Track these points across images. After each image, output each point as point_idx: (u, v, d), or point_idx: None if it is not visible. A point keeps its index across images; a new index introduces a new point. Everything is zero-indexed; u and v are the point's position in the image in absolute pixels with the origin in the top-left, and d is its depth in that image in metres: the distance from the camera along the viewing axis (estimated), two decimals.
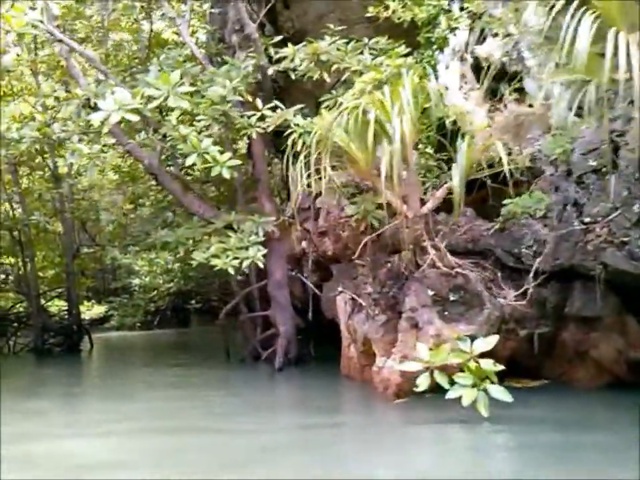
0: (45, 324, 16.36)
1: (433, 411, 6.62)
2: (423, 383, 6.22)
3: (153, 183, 18.76)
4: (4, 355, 16.25)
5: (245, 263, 9.36)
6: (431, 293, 7.66)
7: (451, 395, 5.96)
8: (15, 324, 17.25)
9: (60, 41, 9.70)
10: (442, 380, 6.10)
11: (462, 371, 6.33)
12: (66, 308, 18.87)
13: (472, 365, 6.06)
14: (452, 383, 6.17)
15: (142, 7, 12.57)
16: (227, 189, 16.73)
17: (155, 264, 24.76)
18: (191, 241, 10.80)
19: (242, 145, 14.44)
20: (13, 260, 18.80)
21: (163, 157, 11.48)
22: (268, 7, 11.69)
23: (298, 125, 8.83)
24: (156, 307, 27.22)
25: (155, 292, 25.15)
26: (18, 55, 11.32)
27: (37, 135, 9.64)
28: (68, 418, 8.26)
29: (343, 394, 8.65)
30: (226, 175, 9.00)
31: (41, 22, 8.71)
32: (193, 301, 29.62)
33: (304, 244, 12.80)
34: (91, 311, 24.87)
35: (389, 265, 9.04)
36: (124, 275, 29.08)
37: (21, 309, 18.92)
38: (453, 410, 6.26)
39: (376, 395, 7.73)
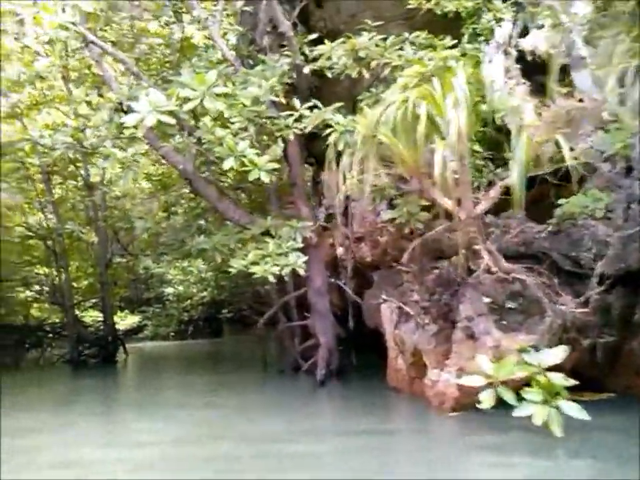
0: (80, 335, 16.20)
1: (495, 429, 6.06)
2: (486, 399, 5.66)
3: (186, 190, 18.69)
4: (40, 367, 16.12)
5: (285, 270, 8.92)
6: (486, 300, 7.11)
7: (520, 412, 5.39)
8: (50, 335, 17.10)
9: (92, 42, 9.44)
10: (507, 396, 5.54)
11: (527, 385, 5.76)
12: (100, 318, 18.72)
13: (541, 379, 5.49)
14: (519, 399, 5.60)
15: (173, 10, 12.30)
16: (258, 195, 16.41)
17: (188, 273, 24.70)
18: (227, 248, 10.43)
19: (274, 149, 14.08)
20: (47, 270, 18.74)
21: (197, 162, 11.15)
22: (300, 6, 11.32)
23: (338, 123, 8.38)
24: (189, 317, 27.07)
25: (189, 301, 24.95)
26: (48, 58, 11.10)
27: (70, 140, 9.36)
28: (105, 429, 7.96)
29: (393, 409, 8.09)
30: (265, 178, 8.59)
31: (73, 24, 8.45)
32: (225, 311, 29.49)
33: (340, 250, 12.39)
34: (124, 321, 24.78)
35: (437, 270, 8.52)
36: (156, 284, 28.99)
37: (56, 320, 18.84)
38: (516, 427, 5.71)
39: (429, 409, 7.20)
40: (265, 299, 27.73)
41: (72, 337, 15.64)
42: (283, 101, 9.56)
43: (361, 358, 11.29)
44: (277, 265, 9.07)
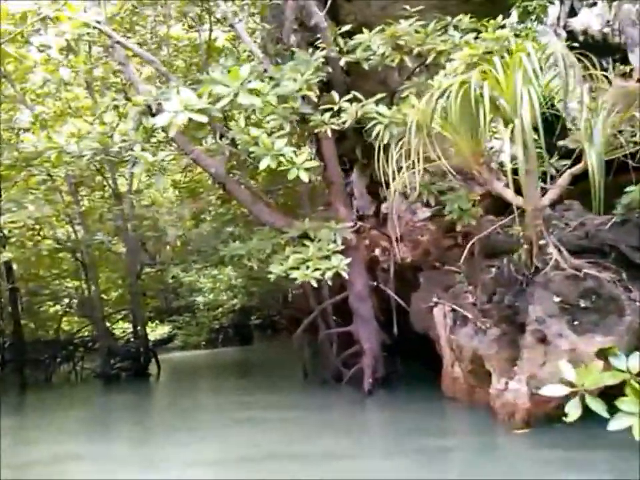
0: (111, 348, 15.82)
1: (580, 445, 5.41)
2: (573, 411, 4.98)
3: (213, 198, 18.31)
4: (71, 383, 15.78)
5: (328, 274, 8.39)
6: (557, 299, 6.46)
7: (615, 425, 4.69)
8: (81, 349, 16.77)
9: (118, 43, 9.02)
10: (597, 406, 4.84)
11: (619, 395, 5.08)
12: (131, 330, 18.37)
13: (636, 386, 4.81)
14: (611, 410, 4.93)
15: (198, 12, 11.89)
16: (288, 199, 15.92)
17: (218, 280, 24.32)
18: (263, 253, 9.92)
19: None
20: (76, 283, 18.45)
21: (228, 165, 10.68)
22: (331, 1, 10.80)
23: (382, 115, 7.81)
24: (219, 325, 26.67)
25: (220, 309, 24.54)
26: (72, 66, 10.74)
27: (97, 146, 8.94)
28: (146, 451, 7.47)
29: (454, 421, 7.44)
30: (304, 177, 8.07)
31: (98, 22, 8.03)
32: (253, 317, 29.05)
33: (377, 252, 11.84)
34: (155, 331, 24.41)
35: (495, 269, 7.88)
36: (186, 293, 28.71)
37: (86, 333, 18.54)
38: (605, 443, 5.06)
39: (495, 422, 6.57)
40: (294, 304, 27.40)
41: (103, 350, 15.26)
42: (314, 98, 9.01)
43: (406, 365, 10.67)
44: (319, 269, 8.55)
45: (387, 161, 7.16)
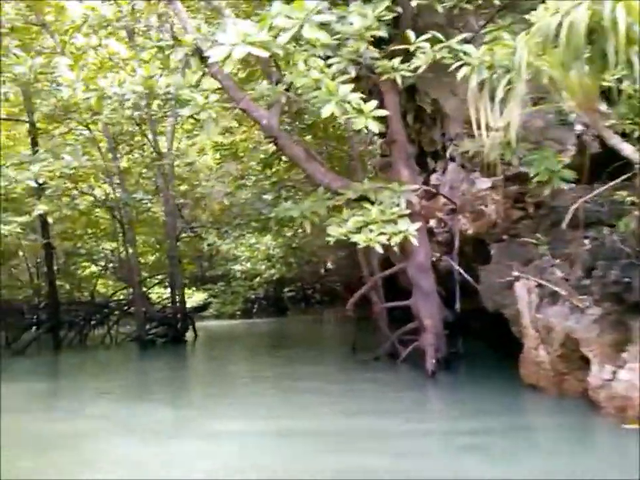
0: (147, 312, 15.18)
1: None
2: None
3: (253, 163, 17.44)
4: (105, 347, 15.22)
5: (395, 239, 7.44)
6: None
7: None
8: (117, 312, 16.18)
9: None
10: None
11: None
12: (167, 295, 17.77)
13: None
14: None
15: None
16: (336, 163, 14.93)
17: (256, 249, 23.60)
18: (317, 216, 8.99)
19: None
20: (113, 245, 17.87)
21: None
22: None
23: (469, 55, 6.72)
24: (255, 295, 26.03)
25: (258, 279, 23.84)
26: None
27: (141, 90, 8.06)
28: (184, 419, 6.72)
29: (545, 415, 6.28)
30: (373, 127, 7.10)
31: None
32: (286, 290, 28.37)
33: (432, 223, 10.83)
34: (191, 298, 23.81)
35: (590, 241, 6.82)
36: (222, 261, 28.14)
37: (122, 297, 18.00)
38: None
39: (595, 417, 5.57)
40: (333, 277, 26.51)
41: (139, 315, 14.62)
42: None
43: (467, 346, 9.69)
44: (383, 234, 7.61)
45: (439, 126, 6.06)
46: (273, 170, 15.89)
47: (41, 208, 9.59)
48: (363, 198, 8.65)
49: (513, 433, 5.46)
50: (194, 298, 25.23)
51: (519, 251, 8.33)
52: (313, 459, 4.96)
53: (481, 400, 6.82)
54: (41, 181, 9.71)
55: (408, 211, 8.15)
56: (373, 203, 8.36)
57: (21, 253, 17.58)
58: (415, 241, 7.70)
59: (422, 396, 7.56)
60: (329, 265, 28.04)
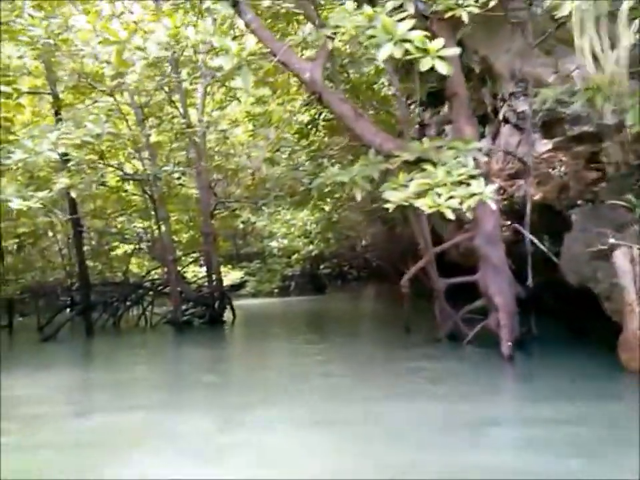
0: (183, 292, 14.36)
1: None
2: None
3: (288, 135, 16.36)
4: (140, 329, 14.48)
5: (469, 202, 6.31)
6: None
7: None
8: (151, 293, 15.40)
9: None
10: None
11: None
12: (203, 275, 16.97)
13: None
14: None
15: None
16: (382, 127, 13.72)
17: (292, 226, 22.63)
18: (368, 181, 7.90)
19: None
20: (146, 224, 17.09)
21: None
22: None
23: None
24: (292, 273, 25.14)
25: (296, 255, 22.89)
26: None
27: (167, 41, 7.04)
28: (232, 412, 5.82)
29: None
30: (441, 68, 5.95)
31: None
32: (322, 267, 27.40)
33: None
34: (227, 277, 22.99)
35: None
36: (256, 239, 27.28)
37: (156, 276, 17.24)
38: None
39: None
40: (369, 252, 25.45)
41: (174, 295, 13.78)
42: None
43: (540, 325, 8.54)
44: (452, 197, 6.49)
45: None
46: (310, 140, 14.89)
47: (62, 182, 8.73)
48: (420, 160, 7.55)
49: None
50: (229, 276, 24.47)
51: (609, 216, 7.14)
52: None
53: (583, 388, 5.71)
54: (62, 151, 8.82)
55: (479, 171, 7.02)
56: (434, 165, 7.25)
57: (50, 234, 16.94)
58: (492, 205, 6.57)
59: (505, 382, 6.49)
60: (364, 241, 27.05)
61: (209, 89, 16.09)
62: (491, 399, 5.81)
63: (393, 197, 6.72)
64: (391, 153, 7.96)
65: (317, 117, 15.38)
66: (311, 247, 22.18)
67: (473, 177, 6.81)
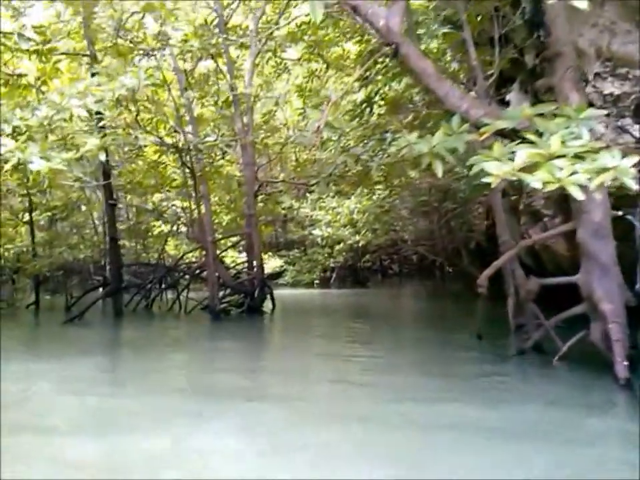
0: (221, 278, 13.16)
1: None
2: None
3: (339, 115, 15.01)
4: (173, 314, 13.36)
5: (601, 178, 4.81)
6: None
7: None
8: (187, 276, 14.25)
9: None
10: None
11: None
12: (242, 260, 15.79)
13: None
14: None
15: None
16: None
17: (337, 214, 21.25)
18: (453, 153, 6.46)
19: None
20: (185, 204, 15.97)
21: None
22: None
23: None
24: (334, 264, 23.77)
25: (340, 245, 21.48)
26: None
27: None
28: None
29: None
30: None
31: None
32: (363, 259, 26.00)
33: None
34: (266, 265, 21.72)
35: None
36: (297, 226, 26.03)
37: (193, 259, 16.14)
38: None
39: None
40: (415, 245, 23.91)
41: (212, 280, 12.55)
42: None
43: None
44: (575, 173, 5.01)
45: None
46: (364, 119, 13.52)
47: (92, 142, 7.55)
48: (515, 131, 6.10)
49: None
50: (269, 264, 23.26)
51: None
52: None
53: None
54: (93, 109, 7.64)
55: (602, 143, 5.53)
56: (540, 135, 5.78)
57: (84, 208, 15.96)
58: (632, 184, 5.05)
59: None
60: (411, 234, 25.47)
61: (258, 59, 14.86)
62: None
63: (496, 169, 5.27)
64: (480, 121, 6.52)
65: (372, 95, 14.03)
66: (357, 237, 20.73)
67: (598, 149, 5.33)
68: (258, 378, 7.21)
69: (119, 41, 11.37)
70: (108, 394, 6.26)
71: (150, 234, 17.38)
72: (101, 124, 8.39)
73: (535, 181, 5.10)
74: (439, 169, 6.45)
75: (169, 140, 13.95)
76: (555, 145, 5.39)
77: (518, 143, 5.90)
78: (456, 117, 6.75)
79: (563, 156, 5.25)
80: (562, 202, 11.10)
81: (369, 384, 6.52)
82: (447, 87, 6.98)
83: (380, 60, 12.74)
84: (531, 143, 5.67)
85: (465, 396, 5.72)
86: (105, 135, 8.26)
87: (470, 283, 17.57)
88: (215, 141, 10.92)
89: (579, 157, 5.39)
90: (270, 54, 15.16)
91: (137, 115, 9.55)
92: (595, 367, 6.35)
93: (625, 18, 8.16)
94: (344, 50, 15.81)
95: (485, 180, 5.40)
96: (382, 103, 13.84)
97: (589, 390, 5.76)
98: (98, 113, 8.21)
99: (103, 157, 7.87)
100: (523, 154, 5.38)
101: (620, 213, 7.07)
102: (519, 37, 10.07)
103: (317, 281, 22.98)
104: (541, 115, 6.25)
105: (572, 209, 7.05)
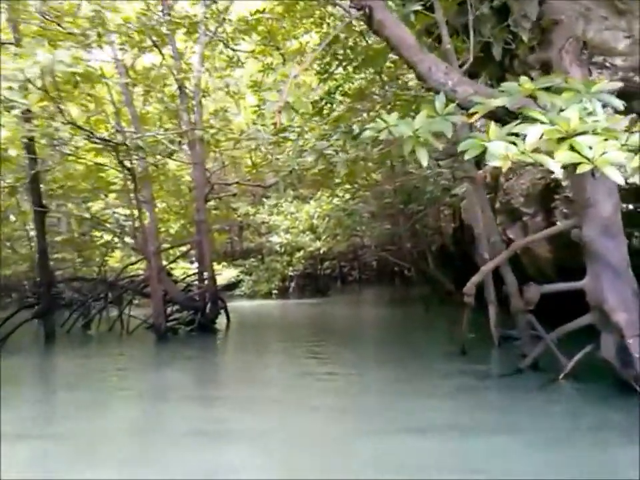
0: (168, 292, 11.74)
1: None
2: None
3: (295, 116, 13.82)
4: (114, 335, 11.83)
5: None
6: None
7: None
8: (130, 292, 12.75)
9: None
10: None
11: None
12: (194, 272, 14.37)
13: None
14: None
15: None
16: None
17: (296, 219, 20.02)
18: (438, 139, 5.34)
19: None
20: (128, 212, 14.43)
21: None
22: None
23: None
24: (294, 272, 22.47)
25: (301, 252, 20.20)
26: None
27: None
28: None
29: None
30: None
31: None
32: (322, 266, 24.88)
33: None
34: (221, 275, 20.19)
35: None
36: (254, 233, 24.70)
37: (140, 272, 14.61)
38: None
39: None
40: (377, 250, 22.87)
41: (156, 296, 11.05)
42: None
43: None
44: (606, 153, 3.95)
45: None
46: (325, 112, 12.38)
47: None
48: (509, 112, 5.05)
49: None
50: (223, 275, 21.80)
51: None
52: None
53: None
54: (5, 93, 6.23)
55: (623, 119, 4.50)
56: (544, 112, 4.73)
57: (13, 218, 14.29)
58: None
59: None
60: (368, 240, 24.44)
61: (207, 51, 13.57)
62: None
63: (502, 151, 4.16)
64: (469, 100, 5.45)
65: (332, 90, 12.94)
66: (318, 243, 19.52)
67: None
68: (208, 412, 5.91)
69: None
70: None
71: (93, 244, 15.76)
72: (14, 112, 6.95)
73: (556, 162, 4.01)
74: (423, 157, 5.30)
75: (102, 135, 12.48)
76: (575, 120, 4.34)
77: (518, 124, 4.84)
78: (440, 96, 5.62)
79: (582, 134, 4.23)
80: (543, 199, 10.24)
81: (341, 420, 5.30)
82: (429, 61, 5.89)
83: (340, 52, 11.74)
84: (534, 122, 4.63)
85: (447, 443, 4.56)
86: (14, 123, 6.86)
87: (437, 288, 16.73)
88: (157, 137, 9.49)
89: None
90: (221, 46, 13.92)
91: (58, 103, 8.11)
92: (610, 387, 5.33)
93: (600, 4, 7.38)
94: (301, 44, 14.68)
95: (492, 164, 4.30)
96: (343, 98, 12.76)
97: (617, 416, 4.69)
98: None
99: (13, 152, 6.44)
100: (536, 131, 4.31)
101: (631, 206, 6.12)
102: (486, 27, 9.09)
103: (275, 291, 21.66)
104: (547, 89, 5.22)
105: (576, 202, 6.05)
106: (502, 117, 5.21)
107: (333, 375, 7.33)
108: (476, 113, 5.09)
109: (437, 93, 5.74)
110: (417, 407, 5.48)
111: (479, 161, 9.21)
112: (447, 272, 16.17)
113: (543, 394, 5.67)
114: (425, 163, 5.31)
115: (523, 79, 5.35)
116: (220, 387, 7.28)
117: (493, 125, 4.81)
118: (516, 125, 4.66)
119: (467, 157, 4.68)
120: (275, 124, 5.96)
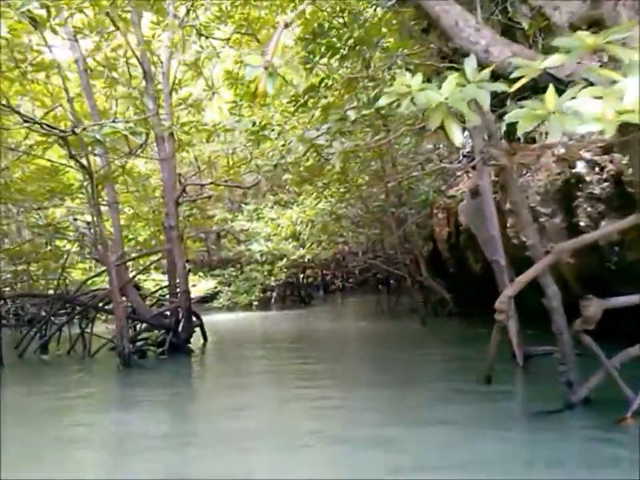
0: (135, 309, 10.24)
1: None
2: None
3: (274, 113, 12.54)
4: (73, 360, 10.29)
5: None
6: None
7: None
8: (90, 309, 11.19)
9: None
10: None
11: None
12: (165, 285, 12.86)
13: None
14: None
15: None
16: None
17: (277, 225, 18.63)
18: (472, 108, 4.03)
19: None
20: (91, 219, 12.89)
21: None
22: None
23: None
24: (276, 282, 20.98)
25: (284, 261, 18.73)
26: None
27: None
28: None
29: None
30: None
31: None
32: (302, 275, 23.53)
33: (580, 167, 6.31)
34: (196, 286, 18.64)
35: None
36: (232, 241, 23.25)
37: (103, 285, 13.05)
38: None
39: None
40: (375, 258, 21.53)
41: (119, 314, 9.44)
42: None
43: None
44: None
45: None
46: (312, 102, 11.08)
47: None
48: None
49: None
50: (199, 286, 20.29)
51: None
52: None
53: None
54: None
55: None
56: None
57: None
58: None
59: None
60: (354, 247, 23.14)
61: (178, 37, 12.17)
62: None
63: (597, 110, 2.86)
64: (506, 65, 4.22)
65: (317, 85, 11.66)
66: (302, 251, 18.12)
67: None
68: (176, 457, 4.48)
69: None
70: None
71: (50, 255, 14.16)
72: None
73: None
74: (455, 133, 3.94)
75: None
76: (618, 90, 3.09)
77: (582, 89, 3.53)
78: (471, 59, 4.28)
79: None
80: (562, 197, 9.01)
81: None
82: (457, 13, 4.60)
83: (324, 41, 10.56)
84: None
85: None
86: None
87: (430, 297, 15.48)
88: (116, 127, 8.02)
89: None
90: (194, 34, 12.54)
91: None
92: None
93: None
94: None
95: (584, 129, 2.99)
96: (330, 92, 11.47)
97: None
98: None
99: None
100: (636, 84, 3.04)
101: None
102: None
103: (255, 303, 20.20)
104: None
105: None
106: (544, 87, 3.93)
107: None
108: (520, 78, 3.77)
109: (464, 56, 4.44)
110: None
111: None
112: (440, 280, 15.02)
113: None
114: (457, 141, 3.98)
115: (581, 33, 4.03)
116: (193, 434, 5.79)
117: (551, 88, 3.51)
118: (578, 90, 3.36)
119: (519, 131, 3.44)
120: (256, 95, 4.63)
